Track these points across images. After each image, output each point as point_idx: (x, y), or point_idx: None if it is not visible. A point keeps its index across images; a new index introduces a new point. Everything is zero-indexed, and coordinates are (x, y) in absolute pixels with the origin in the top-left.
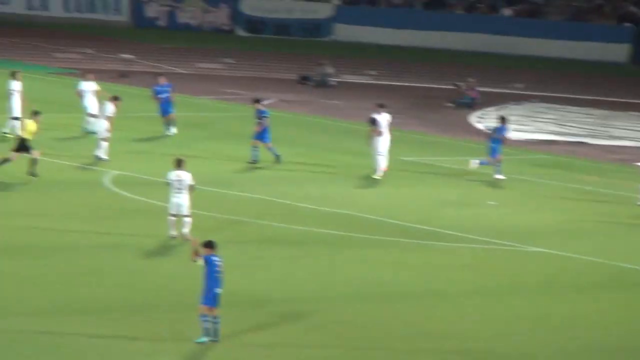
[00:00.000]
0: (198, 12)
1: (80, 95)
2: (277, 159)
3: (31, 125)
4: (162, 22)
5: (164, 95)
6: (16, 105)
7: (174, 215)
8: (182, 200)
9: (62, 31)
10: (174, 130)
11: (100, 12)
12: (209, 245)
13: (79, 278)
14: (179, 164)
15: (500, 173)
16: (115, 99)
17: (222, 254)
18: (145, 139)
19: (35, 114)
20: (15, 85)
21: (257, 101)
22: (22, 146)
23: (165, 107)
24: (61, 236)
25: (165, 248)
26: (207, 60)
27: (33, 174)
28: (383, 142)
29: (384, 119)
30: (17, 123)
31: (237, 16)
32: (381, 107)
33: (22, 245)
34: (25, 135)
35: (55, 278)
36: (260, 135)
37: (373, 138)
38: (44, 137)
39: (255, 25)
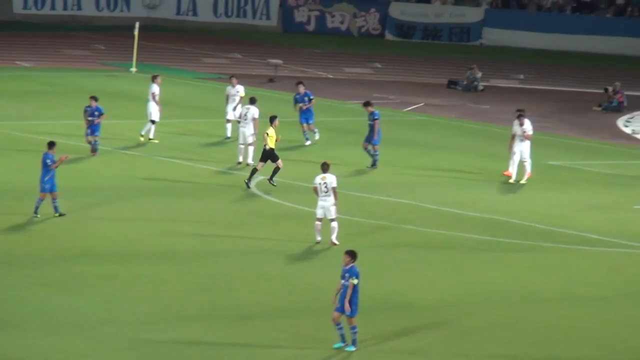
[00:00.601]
0: (347, 17)
1: (227, 99)
2: (375, 165)
3: (272, 132)
4: (310, 27)
5: (303, 104)
6: (154, 110)
7: (320, 220)
8: (328, 204)
9: (211, 36)
10: (316, 137)
11: (250, 17)
12: (352, 255)
13: (223, 284)
14: (324, 168)
15: None
16: (252, 101)
17: (367, 258)
18: (292, 143)
19: (272, 119)
20: (155, 89)
21: (368, 104)
22: (269, 155)
23: (305, 116)
24: (205, 241)
25: (311, 253)
26: (356, 65)
27: (272, 183)
28: (526, 147)
29: (526, 124)
30: (153, 127)
31: (386, 20)
32: (521, 112)
33: (165, 251)
34: (270, 145)
35: (198, 285)
36: (370, 138)
37: (515, 143)
38: (192, 142)
39: (404, 29)
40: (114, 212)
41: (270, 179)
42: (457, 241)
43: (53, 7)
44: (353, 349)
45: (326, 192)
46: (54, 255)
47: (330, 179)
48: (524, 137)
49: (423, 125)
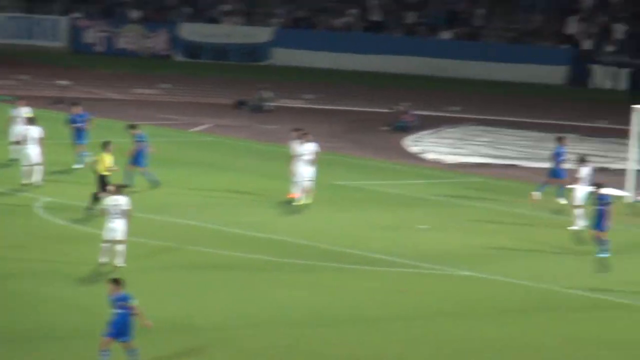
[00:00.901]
0: (136, 37)
1: (12, 121)
2: (155, 184)
3: (107, 158)
4: (100, 48)
5: (78, 125)
6: None
7: (107, 242)
8: (117, 226)
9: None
10: (85, 160)
11: (39, 38)
12: (117, 282)
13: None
14: (117, 190)
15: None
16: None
17: (151, 279)
18: (69, 165)
19: (106, 145)
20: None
21: (133, 127)
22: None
23: (78, 136)
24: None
25: (95, 275)
26: (144, 86)
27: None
28: (306, 169)
29: (308, 145)
30: None
31: (175, 41)
32: (299, 132)
33: None
34: (101, 171)
35: None
36: (136, 160)
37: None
38: None
39: (193, 50)
40: None
41: (91, 204)
42: (243, 262)
43: None
44: None
45: (116, 214)
46: None
47: (122, 202)
48: (309, 158)
49: (210, 146)
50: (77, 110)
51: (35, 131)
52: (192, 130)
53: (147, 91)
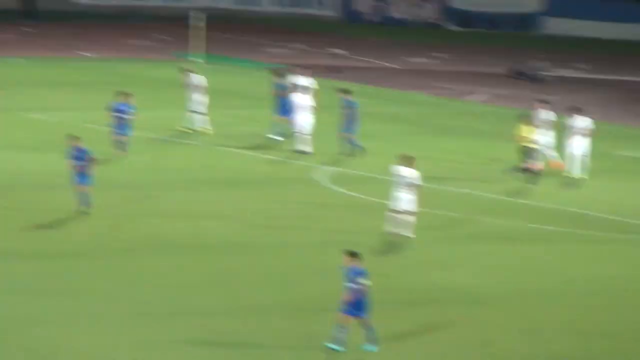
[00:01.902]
0: (407, 6)
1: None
2: (358, 149)
3: (526, 129)
4: (371, 17)
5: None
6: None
7: (395, 212)
8: (404, 195)
9: (273, 26)
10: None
11: (312, 7)
12: (353, 255)
13: (293, 276)
14: (407, 161)
15: None
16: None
17: (440, 250)
18: (358, 134)
19: (525, 116)
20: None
21: (346, 92)
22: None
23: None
24: (275, 233)
25: (388, 245)
26: (417, 55)
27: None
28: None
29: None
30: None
31: (447, 10)
32: (542, 102)
33: (234, 243)
34: (524, 143)
35: (267, 276)
36: (347, 127)
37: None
38: (256, 132)
39: (465, 19)
40: (180, 204)
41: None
42: (528, 232)
43: None
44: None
45: (406, 185)
46: (120, 247)
47: (414, 175)
48: (584, 132)
49: (487, 115)
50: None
51: (307, 100)
52: (467, 99)
53: (420, 60)
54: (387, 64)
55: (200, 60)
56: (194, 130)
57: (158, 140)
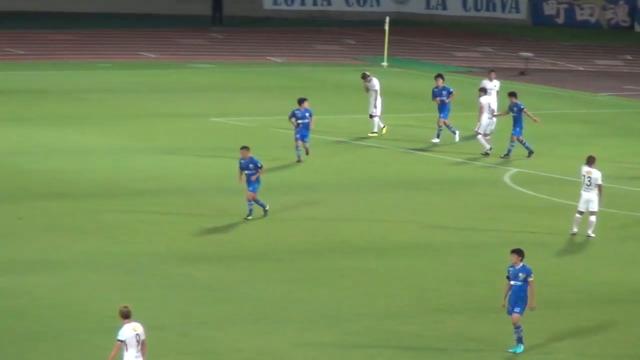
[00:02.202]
0: (596, 9)
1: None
2: (529, 151)
3: None
4: (559, 20)
5: (443, 98)
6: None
7: (581, 213)
8: (591, 196)
9: (460, 30)
10: (456, 138)
11: (499, 11)
12: (519, 253)
13: (482, 277)
14: (589, 161)
15: None
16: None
17: (621, 250)
18: (544, 136)
19: None
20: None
21: (513, 95)
22: None
23: (441, 109)
24: (460, 234)
25: (571, 245)
26: (606, 57)
27: None
28: None
29: None
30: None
31: (635, 12)
32: None
33: (420, 244)
34: None
35: (455, 278)
36: (516, 129)
37: None
38: (443, 135)
39: None
40: (367, 206)
41: None
42: None
43: (303, 3)
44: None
45: (589, 186)
46: (310, 249)
47: (596, 175)
48: None
49: None
50: (440, 83)
51: (491, 101)
52: None
53: (608, 62)
54: (572, 66)
55: (384, 64)
56: (377, 134)
57: (342, 144)
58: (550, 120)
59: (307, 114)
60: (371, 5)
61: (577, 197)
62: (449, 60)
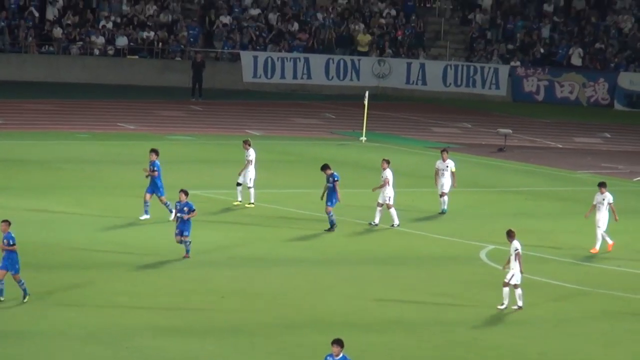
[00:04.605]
0: (576, 86)
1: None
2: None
3: None
4: (539, 97)
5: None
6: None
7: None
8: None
9: (439, 105)
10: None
11: (479, 87)
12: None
13: (450, 353)
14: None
15: None
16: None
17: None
18: (520, 213)
19: None
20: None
21: (327, 167)
22: None
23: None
24: (433, 310)
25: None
26: (585, 135)
27: None
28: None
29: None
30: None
31: (615, 90)
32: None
33: (393, 320)
34: None
35: (429, 352)
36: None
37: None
38: (419, 211)
39: (633, 99)
40: (341, 281)
41: None
42: None
43: (282, 76)
44: None
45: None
46: (284, 323)
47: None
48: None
49: None
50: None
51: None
52: (635, 179)
53: (587, 140)
54: (551, 143)
55: (363, 139)
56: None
57: (318, 218)
58: (529, 197)
59: (185, 208)
60: (351, 80)
61: (553, 273)
62: (427, 136)
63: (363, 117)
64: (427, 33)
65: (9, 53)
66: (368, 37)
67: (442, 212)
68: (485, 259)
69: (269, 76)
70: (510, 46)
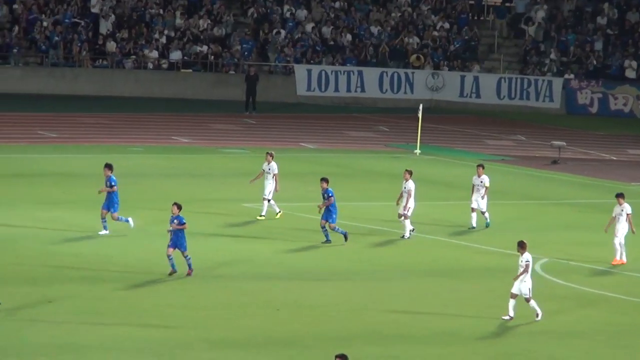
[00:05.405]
0: (630, 99)
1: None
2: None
3: None
4: (593, 109)
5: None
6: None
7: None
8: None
9: (493, 118)
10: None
11: (533, 99)
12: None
13: None
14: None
15: None
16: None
17: None
18: (577, 226)
19: None
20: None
21: (322, 180)
22: None
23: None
24: (488, 323)
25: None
26: (639, 147)
27: None
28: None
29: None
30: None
31: None
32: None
33: (447, 332)
34: None
35: None
36: (327, 216)
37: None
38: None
39: None
40: (396, 293)
41: None
42: None
43: (336, 89)
44: None
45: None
46: (339, 336)
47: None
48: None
49: None
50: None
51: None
52: None
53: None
54: (605, 156)
55: (417, 151)
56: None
57: (374, 230)
58: (582, 210)
59: (175, 221)
60: (405, 93)
61: (609, 286)
62: (481, 148)
63: (417, 130)
64: (481, 46)
65: (63, 67)
66: (420, 61)
67: (471, 228)
68: (540, 271)
69: (322, 89)
70: (564, 59)
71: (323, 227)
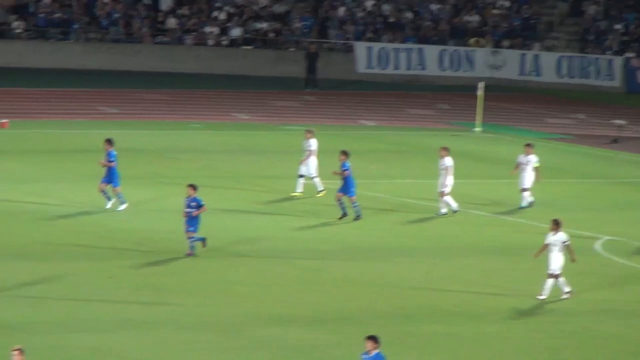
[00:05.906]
0: None
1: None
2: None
3: None
4: None
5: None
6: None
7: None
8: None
9: (553, 96)
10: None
11: (593, 78)
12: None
13: (571, 342)
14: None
15: None
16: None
17: None
18: (633, 204)
19: None
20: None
21: (342, 153)
22: None
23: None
24: (548, 301)
25: None
26: None
27: None
28: None
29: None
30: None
31: None
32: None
33: (507, 309)
34: None
35: (543, 342)
36: (345, 189)
37: None
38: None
39: None
40: (458, 271)
41: None
42: None
43: (396, 67)
44: None
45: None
46: (399, 313)
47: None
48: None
49: None
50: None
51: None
52: None
53: None
54: None
55: (477, 129)
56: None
57: (435, 209)
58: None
59: (192, 203)
60: (465, 71)
61: None
62: (541, 127)
63: (477, 108)
64: (541, 24)
65: (124, 43)
66: (479, 44)
67: (521, 208)
68: (600, 251)
69: (383, 66)
70: (624, 38)
71: (339, 200)
